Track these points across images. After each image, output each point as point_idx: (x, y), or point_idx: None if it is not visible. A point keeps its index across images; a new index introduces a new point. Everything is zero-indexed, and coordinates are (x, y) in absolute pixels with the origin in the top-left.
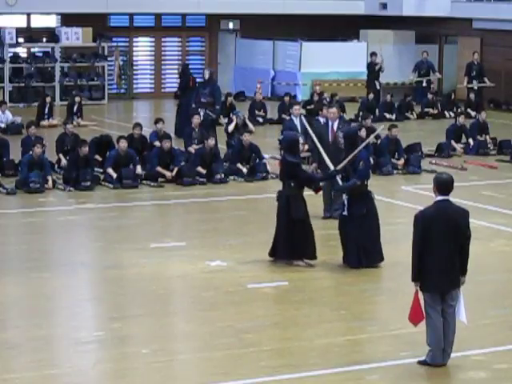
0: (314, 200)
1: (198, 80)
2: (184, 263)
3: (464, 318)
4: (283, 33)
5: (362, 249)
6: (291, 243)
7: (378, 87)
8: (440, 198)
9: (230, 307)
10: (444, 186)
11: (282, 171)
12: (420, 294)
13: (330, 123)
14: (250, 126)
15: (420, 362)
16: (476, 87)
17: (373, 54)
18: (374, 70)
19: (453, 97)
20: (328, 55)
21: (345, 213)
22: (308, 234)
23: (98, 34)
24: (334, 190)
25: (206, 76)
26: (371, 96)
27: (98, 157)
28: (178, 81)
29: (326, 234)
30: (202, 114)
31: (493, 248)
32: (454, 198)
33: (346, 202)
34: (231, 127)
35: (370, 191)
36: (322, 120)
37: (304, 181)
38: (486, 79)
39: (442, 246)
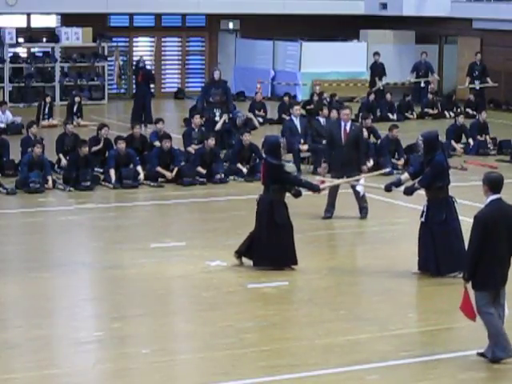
0: (313, 200)
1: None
2: (184, 263)
3: (507, 310)
4: (283, 33)
5: (442, 256)
6: (274, 250)
7: (380, 87)
8: (494, 197)
9: (230, 307)
10: (496, 184)
11: (265, 174)
12: (471, 293)
13: (342, 124)
14: (255, 121)
15: (494, 360)
16: (478, 87)
17: (375, 53)
18: (376, 70)
19: (453, 97)
20: (328, 55)
21: (422, 219)
22: (291, 240)
23: (98, 34)
24: (403, 192)
25: (217, 76)
26: (372, 96)
27: (96, 148)
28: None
29: (327, 234)
30: (218, 114)
31: None
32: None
33: (424, 208)
34: (218, 126)
35: (450, 197)
36: (321, 120)
37: (287, 183)
38: (488, 79)
39: (499, 246)
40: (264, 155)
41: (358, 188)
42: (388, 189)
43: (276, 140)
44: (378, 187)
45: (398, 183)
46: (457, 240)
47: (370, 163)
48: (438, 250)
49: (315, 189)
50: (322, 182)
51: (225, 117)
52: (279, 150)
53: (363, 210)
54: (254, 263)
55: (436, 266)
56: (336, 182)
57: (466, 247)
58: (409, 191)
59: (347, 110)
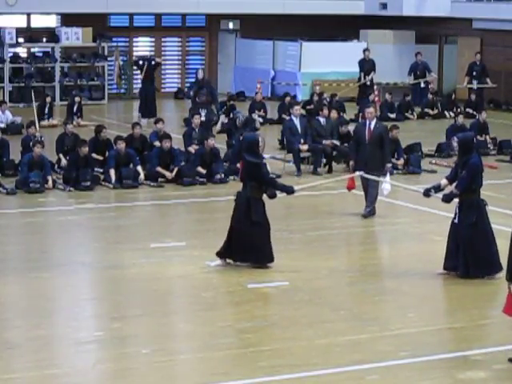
0: (312, 200)
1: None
2: (184, 263)
3: None
4: (283, 33)
5: (471, 259)
6: (250, 247)
7: (367, 83)
8: None
9: (230, 307)
10: None
11: (243, 171)
12: None
13: (367, 122)
14: (257, 123)
15: None
16: (475, 87)
17: (366, 50)
18: (364, 66)
19: (453, 97)
20: (328, 55)
21: (456, 220)
22: (267, 238)
23: (98, 34)
24: (442, 200)
25: (200, 76)
26: (372, 96)
27: (97, 156)
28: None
29: (327, 234)
30: (203, 113)
31: None
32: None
33: (457, 210)
34: (218, 127)
35: (482, 199)
36: (321, 120)
37: (264, 182)
38: (488, 80)
39: None
40: (243, 153)
41: (384, 186)
42: (427, 194)
43: (254, 138)
44: (416, 190)
45: (438, 188)
46: (486, 243)
47: (401, 161)
48: (467, 252)
49: (289, 191)
50: (352, 179)
51: (222, 118)
52: (257, 148)
53: (369, 210)
54: (233, 259)
55: (465, 268)
56: (307, 185)
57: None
58: (447, 198)
59: (371, 108)
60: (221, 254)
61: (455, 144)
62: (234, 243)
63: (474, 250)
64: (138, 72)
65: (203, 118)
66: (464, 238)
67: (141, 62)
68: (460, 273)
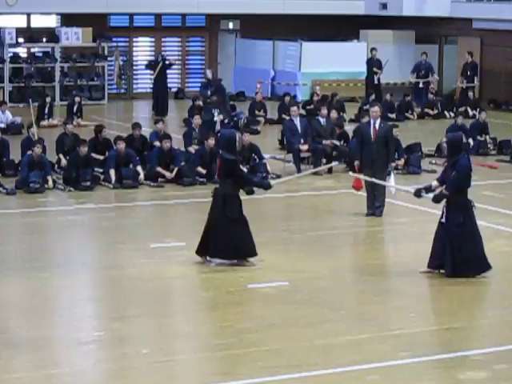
0: (312, 200)
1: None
2: (184, 263)
3: None
4: (283, 33)
5: (458, 258)
6: (227, 243)
7: (376, 82)
8: None
9: (230, 307)
10: None
11: (220, 169)
12: None
13: (372, 121)
14: (259, 127)
15: None
16: (464, 86)
17: (373, 49)
18: (373, 65)
19: (455, 97)
20: (328, 55)
21: (443, 220)
22: (244, 233)
23: (98, 34)
24: (432, 200)
25: (210, 76)
26: (373, 97)
27: (97, 156)
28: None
29: (327, 234)
30: (216, 113)
31: (493, 248)
32: None
33: (444, 210)
34: (217, 127)
35: (469, 200)
36: (321, 120)
37: (240, 179)
38: (475, 78)
39: None
40: (220, 150)
41: (391, 188)
42: (418, 194)
43: (231, 135)
44: (407, 191)
45: (429, 189)
46: (473, 243)
47: (401, 161)
48: (454, 252)
49: (266, 187)
50: (358, 179)
51: (221, 117)
52: (234, 145)
53: (379, 209)
54: (209, 255)
55: (452, 267)
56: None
57: None
58: (438, 199)
59: (376, 107)
60: (199, 252)
61: (444, 145)
62: (212, 240)
63: (461, 249)
64: (149, 72)
65: (216, 118)
66: (452, 238)
67: (153, 62)
68: (446, 271)
